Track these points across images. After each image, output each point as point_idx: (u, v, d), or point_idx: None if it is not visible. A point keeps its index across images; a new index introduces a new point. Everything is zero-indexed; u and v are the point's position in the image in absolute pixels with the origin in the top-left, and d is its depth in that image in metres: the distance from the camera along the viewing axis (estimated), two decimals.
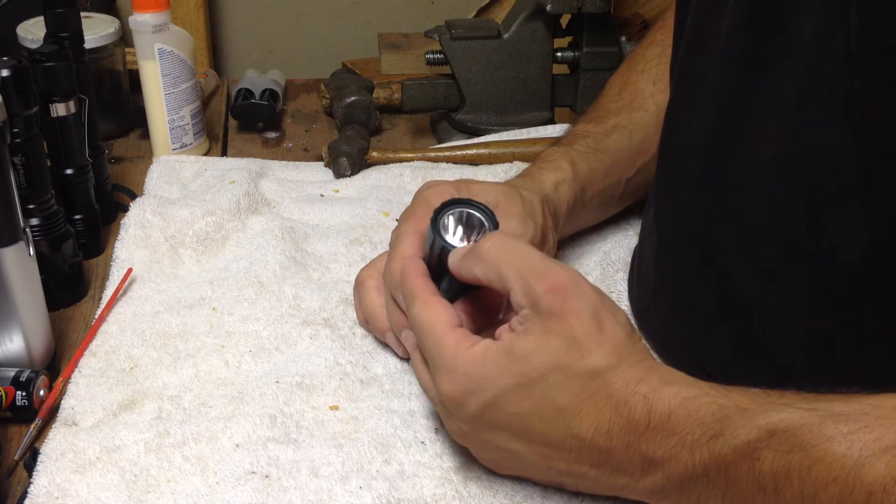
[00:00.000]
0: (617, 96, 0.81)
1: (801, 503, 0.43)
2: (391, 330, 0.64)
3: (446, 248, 0.56)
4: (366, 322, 0.68)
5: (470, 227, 0.57)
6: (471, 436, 0.53)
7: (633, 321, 0.70)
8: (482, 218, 0.57)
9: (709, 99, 0.57)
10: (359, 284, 0.68)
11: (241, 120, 1.09)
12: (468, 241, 0.57)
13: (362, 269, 0.69)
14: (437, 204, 0.64)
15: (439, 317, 0.53)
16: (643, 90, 0.79)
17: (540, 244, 0.67)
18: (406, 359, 0.66)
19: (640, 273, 0.69)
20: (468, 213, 0.57)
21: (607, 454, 0.48)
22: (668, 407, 0.47)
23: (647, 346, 0.51)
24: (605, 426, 0.48)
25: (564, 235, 0.78)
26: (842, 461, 0.42)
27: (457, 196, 0.65)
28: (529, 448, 0.51)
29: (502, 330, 0.52)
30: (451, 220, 0.57)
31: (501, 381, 0.49)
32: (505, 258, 0.52)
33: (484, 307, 0.57)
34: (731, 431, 0.45)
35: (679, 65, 0.61)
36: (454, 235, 0.57)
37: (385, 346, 0.68)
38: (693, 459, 0.46)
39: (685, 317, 0.61)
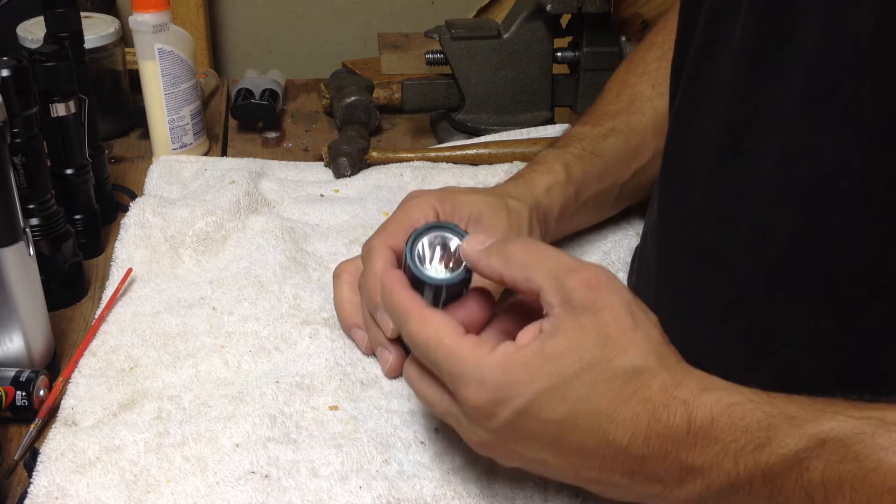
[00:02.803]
0: (615, 98, 0.81)
1: None
2: (356, 326, 0.66)
3: (424, 281, 0.53)
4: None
5: (446, 249, 0.55)
6: (496, 446, 0.51)
7: None
8: (458, 240, 0.54)
9: (720, 101, 0.56)
10: (334, 277, 0.69)
11: (241, 120, 1.09)
12: (447, 267, 0.54)
13: (340, 263, 0.70)
14: (419, 217, 0.63)
15: (443, 329, 0.50)
16: (642, 93, 0.79)
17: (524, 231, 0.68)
18: (369, 354, 0.66)
19: (641, 273, 0.69)
20: (443, 236, 0.54)
21: (642, 462, 0.47)
22: (709, 413, 0.45)
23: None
24: (642, 433, 0.46)
25: (558, 237, 0.78)
26: None
27: (439, 209, 0.65)
28: (559, 458, 0.49)
29: (528, 332, 0.49)
30: (426, 246, 0.54)
31: (535, 385, 0.47)
32: (534, 259, 0.50)
33: (471, 314, 0.54)
34: (779, 440, 0.43)
35: (690, 66, 0.61)
36: (430, 262, 0.55)
37: None
38: (737, 468, 0.44)
39: (687, 317, 0.61)
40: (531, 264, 0.50)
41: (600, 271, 0.49)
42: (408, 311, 0.51)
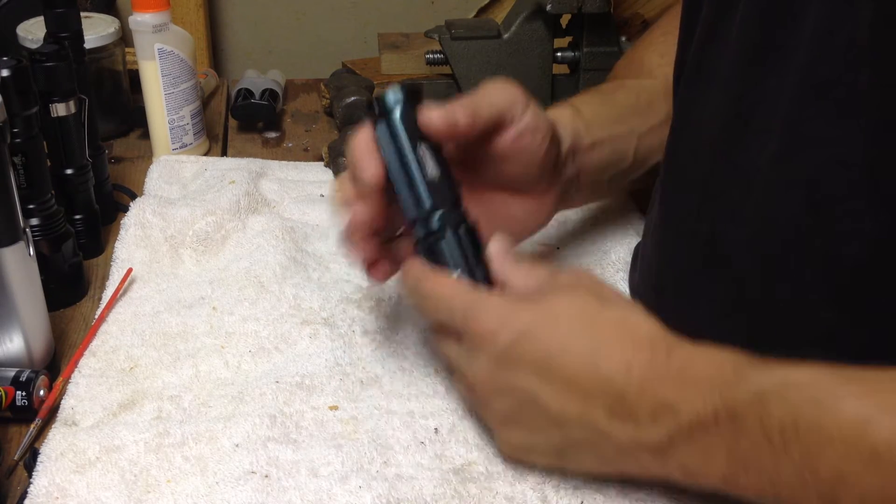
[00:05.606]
0: (624, 69, 0.81)
1: (802, 467, 0.42)
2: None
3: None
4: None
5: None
6: (489, 380, 0.54)
7: None
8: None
9: (720, 95, 0.56)
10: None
11: (241, 120, 1.09)
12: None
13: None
14: None
15: (460, 284, 0.56)
16: (651, 62, 0.79)
17: (524, 101, 0.62)
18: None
19: (643, 270, 0.69)
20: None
21: (622, 396, 0.49)
22: (689, 354, 0.49)
23: None
24: (625, 362, 0.49)
25: (589, 198, 0.79)
26: (851, 419, 0.41)
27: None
28: (547, 387, 0.51)
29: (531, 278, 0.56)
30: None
31: (537, 314, 0.52)
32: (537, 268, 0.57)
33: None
34: (747, 380, 0.46)
35: (690, 61, 0.61)
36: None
37: (385, 346, 0.68)
38: (705, 405, 0.46)
39: (689, 314, 0.61)
40: (532, 273, 0.57)
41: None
42: (428, 275, 0.57)
